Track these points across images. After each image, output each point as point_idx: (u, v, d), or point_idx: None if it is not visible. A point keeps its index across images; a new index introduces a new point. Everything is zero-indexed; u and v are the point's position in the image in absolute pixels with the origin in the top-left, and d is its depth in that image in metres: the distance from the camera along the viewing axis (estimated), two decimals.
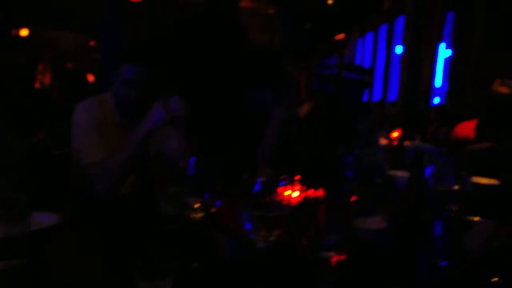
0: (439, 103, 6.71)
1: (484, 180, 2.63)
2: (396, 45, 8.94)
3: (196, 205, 1.03)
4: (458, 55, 6.36)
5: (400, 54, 7.59)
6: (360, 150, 2.23)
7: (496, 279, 1.15)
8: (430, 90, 6.65)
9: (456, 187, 2.35)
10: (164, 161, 1.80)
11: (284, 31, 5.00)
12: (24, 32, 7.77)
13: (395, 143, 3.29)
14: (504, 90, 2.86)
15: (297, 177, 1.45)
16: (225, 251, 1.08)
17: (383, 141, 4.79)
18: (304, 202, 1.47)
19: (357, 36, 11.64)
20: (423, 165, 1.58)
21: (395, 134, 6.00)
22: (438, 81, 7.22)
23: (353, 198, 1.31)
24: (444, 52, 6.94)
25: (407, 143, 5.81)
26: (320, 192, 1.47)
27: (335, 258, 1.16)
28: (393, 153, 2.86)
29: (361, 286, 1.04)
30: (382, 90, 9.73)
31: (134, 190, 1.55)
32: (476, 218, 1.81)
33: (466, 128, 3.14)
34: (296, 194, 1.48)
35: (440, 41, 6.47)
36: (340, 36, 12.68)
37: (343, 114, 3.08)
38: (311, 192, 1.52)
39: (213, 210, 1.03)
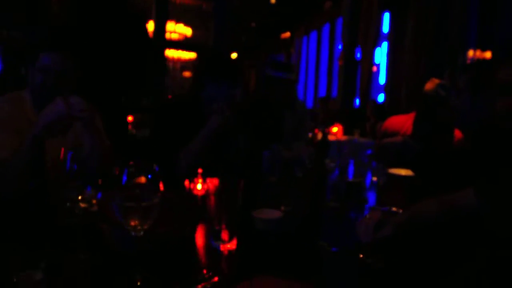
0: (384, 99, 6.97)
1: (403, 172, 2.77)
2: (338, 44, 9.19)
3: (80, 197, 1.04)
4: (395, 53, 6.59)
5: (339, 52, 7.80)
6: (277, 146, 2.30)
7: (369, 260, 1.22)
8: (369, 87, 6.86)
9: (375, 178, 2.47)
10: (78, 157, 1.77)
11: (217, 28, 5.02)
12: None
13: (319, 137, 3.37)
14: (429, 86, 3.01)
15: (200, 170, 1.48)
16: (112, 241, 1.09)
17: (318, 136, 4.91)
18: (205, 194, 1.51)
19: (302, 34, 11.84)
20: (324, 158, 1.65)
21: (334, 129, 6.18)
22: (382, 79, 7.46)
23: (240, 190, 1.36)
24: (384, 51, 7.19)
25: (345, 137, 6.00)
26: (217, 184, 1.51)
27: (224, 246, 1.20)
28: (318, 148, 2.94)
29: (242, 273, 1.07)
30: (326, 86, 9.97)
31: (29, 187, 1.52)
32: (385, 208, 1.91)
33: (395, 123, 3.27)
34: (199, 186, 1.51)
35: (378, 40, 6.70)
36: (286, 34, 12.85)
37: (271, 112, 3.15)
38: (213, 185, 1.55)
39: (94, 201, 1.04)
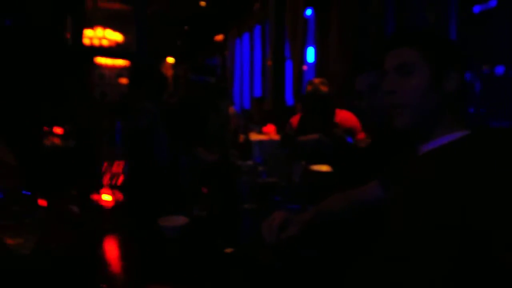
0: None
1: (324, 168, 2.87)
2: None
3: None
4: (322, 51, 6.75)
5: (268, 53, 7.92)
6: (198, 149, 2.32)
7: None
8: (301, 86, 6.99)
9: (294, 177, 2.54)
10: None
11: (139, 32, 4.95)
12: None
13: (241, 138, 3.43)
14: (309, 87, 3.26)
15: (106, 181, 1.47)
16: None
17: (255, 137, 4.97)
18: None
19: (235, 36, 11.89)
20: (231, 158, 1.68)
21: (268, 129, 6.27)
22: (311, 77, 7.65)
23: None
24: (311, 51, 7.36)
25: (277, 136, 6.10)
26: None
27: (126, 256, 1.20)
28: (241, 148, 2.99)
29: (137, 283, 1.08)
30: (261, 87, 10.07)
31: None
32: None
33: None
34: (107, 198, 1.50)
35: (306, 39, 6.83)
36: (219, 37, 12.87)
37: (196, 116, 3.16)
38: (119, 196, 1.54)
39: None
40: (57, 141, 4.73)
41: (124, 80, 11.18)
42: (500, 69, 3.73)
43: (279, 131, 6.26)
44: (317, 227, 1.43)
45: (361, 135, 3.09)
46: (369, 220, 1.51)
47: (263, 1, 8.64)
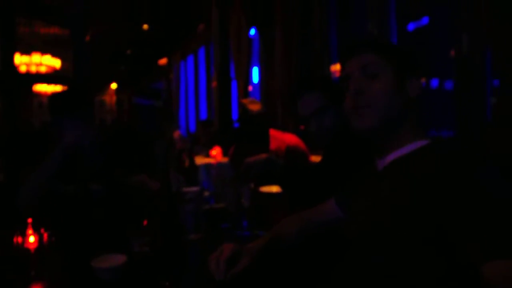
0: None
1: (274, 189, 2.77)
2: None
3: None
4: (267, 70, 6.75)
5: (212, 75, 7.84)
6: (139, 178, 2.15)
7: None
8: None
9: (243, 200, 2.42)
10: None
11: (76, 57, 4.74)
12: None
13: (186, 163, 3.29)
14: (254, 107, 3.17)
15: (29, 220, 1.28)
16: None
17: (201, 160, 4.82)
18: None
19: (179, 59, 11.76)
20: (171, 186, 1.53)
21: (214, 152, 6.13)
22: (257, 97, 7.62)
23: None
24: (256, 71, 7.35)
25: (225, 159, 5.97)
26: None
27: None
28: (186, 173, 2.84)
29: None
30: (207, 109, 9.96)
31: None
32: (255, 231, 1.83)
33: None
34: (31, 239, 1.29)
35: (251, 59, 6.81)
36: (163, 61, 12.69)
37: (139, 140, 3.00)
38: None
39: None
40: None
41: None
42: (434, 82, 3.92)
43: (225, 153, 6.14)
44: (271, 255, 1.32)
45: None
46: (327, 242, 1.44)
47: (207, 22, 8.60)
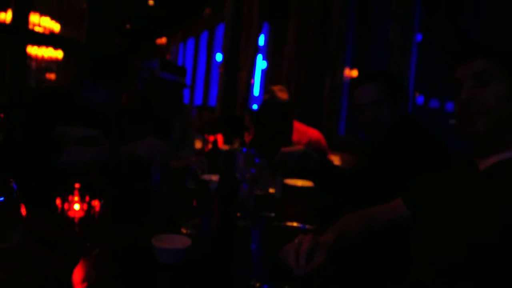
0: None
1: (300, 182, 2.66)
2: (217, 52, 9.07)
3: None
4: (272, 66, 6.64)
5: (220, 61, 7.65)
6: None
7: None
8: (248, 98, 6.80)
9: (271, 190, 2.30)
10: None
11: (91, 26, 4.53)
12: None
13: (210, 146, 3.16)
14: (282, 95, 3.06)
15: (77, 185, 1.12)
16: None
17: (198, 145, 4.69)
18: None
19: (179, 41, 11.54)
20: (234, 168, 1.40)
21: (212, 138, 5.99)
22: (256, 90, 7.49)
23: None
24: (261, 63, 7.21)
25: (225, 147, 5.84)
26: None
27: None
28: (208, 157, 2.70)
29: None
30: (203, 95, 9.79)
31: None
32: (295, 224, 1.73)
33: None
34: (76, 206, 1.13)
35: (257, 51, 6.67)
36: (162, 40, 12.44)
37: (157, 116, 2.84)
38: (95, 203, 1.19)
39: None
40: None
41: (52, 76, 10.35)
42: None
43: (225, 141, 6.01)
44: (338, 253, 1.22)
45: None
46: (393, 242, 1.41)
47: (215, 6, 8.41)
